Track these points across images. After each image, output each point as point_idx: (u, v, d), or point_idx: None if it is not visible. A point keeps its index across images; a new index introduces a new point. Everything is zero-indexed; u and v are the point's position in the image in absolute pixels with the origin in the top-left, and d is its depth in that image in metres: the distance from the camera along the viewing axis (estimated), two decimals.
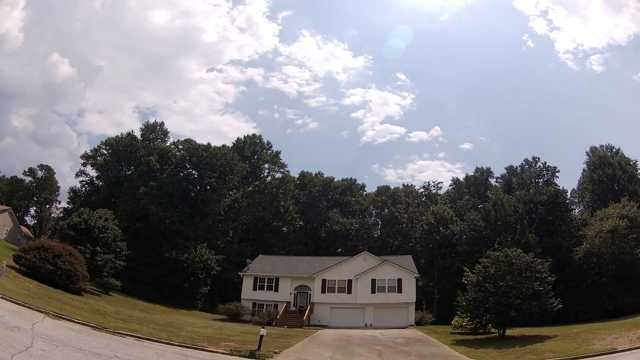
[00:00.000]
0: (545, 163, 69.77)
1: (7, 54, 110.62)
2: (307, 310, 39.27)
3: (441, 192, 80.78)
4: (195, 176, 64.32)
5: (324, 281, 42.97)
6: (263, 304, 42.54)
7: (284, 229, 75.30)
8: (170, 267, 50.90)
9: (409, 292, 41.34)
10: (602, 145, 61.40)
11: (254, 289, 43.92)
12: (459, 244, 54.20)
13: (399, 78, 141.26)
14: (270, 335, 22.33)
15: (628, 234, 39.51)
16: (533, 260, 27.49)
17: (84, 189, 68.73)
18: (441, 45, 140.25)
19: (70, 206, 65.90)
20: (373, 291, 41.75)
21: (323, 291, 42.50)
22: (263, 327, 19.16)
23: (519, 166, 72.56)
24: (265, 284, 43.87)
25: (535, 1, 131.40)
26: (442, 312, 45.22)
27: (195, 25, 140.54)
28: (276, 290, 43.21)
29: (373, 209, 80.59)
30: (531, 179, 68.75)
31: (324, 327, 38.37)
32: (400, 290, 41.26)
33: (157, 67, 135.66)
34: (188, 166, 64.21)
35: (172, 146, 68.57)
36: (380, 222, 77.55)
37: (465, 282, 28.58)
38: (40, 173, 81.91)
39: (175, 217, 56.94)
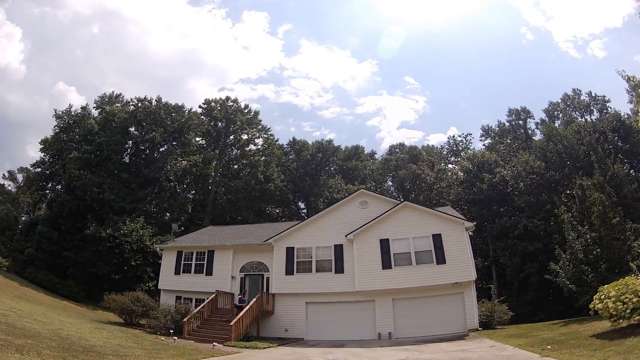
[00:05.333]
0: (591, 92, 50.99)
1: (12, 86, 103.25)
2: (248, 308, 19.69)
3: (472, 147, 61.42)
4: (141, 133, 47.51)
5: (289, 251, 23.33)
6: (191, 298, 24.10)
7: (265, 205, 57.16)
8: (97, 251, 34.84)
9: (461, 261, 20.29)
10: None
11: (177, 271, 25.04)
12: (517, 194, 34.55)
13: (408, 82, 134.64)
14: None
15: None
16: None
17: (35, 172, 54.82)
18: (443, 46, 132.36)
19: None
20: (387, 264, 21.02)
21: (290, 271, 22.95)
22: None
23: (561, 100, 54.03)
24: (193, 262, 24.73)
25: None
26: (507, 301, 25.85)
27: (197, 46, 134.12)
28: (209, 272, 24.19)
29: (388, 175, 61.44)
30: (581, 112, 50.78)
31: (290, 341, 20.06)
32: (441, 259, 20.42)
33: (167, 90, 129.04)
34: (132, 123, 47.47)
35: (121, 107, 51.96)
36: (399, 188, 57.89)
37: None
38: (20, 177, 68.64)
39: (107, 184, 40.63)
